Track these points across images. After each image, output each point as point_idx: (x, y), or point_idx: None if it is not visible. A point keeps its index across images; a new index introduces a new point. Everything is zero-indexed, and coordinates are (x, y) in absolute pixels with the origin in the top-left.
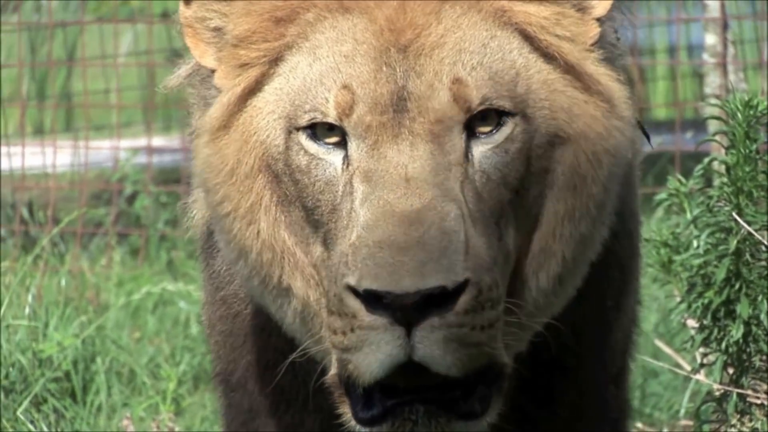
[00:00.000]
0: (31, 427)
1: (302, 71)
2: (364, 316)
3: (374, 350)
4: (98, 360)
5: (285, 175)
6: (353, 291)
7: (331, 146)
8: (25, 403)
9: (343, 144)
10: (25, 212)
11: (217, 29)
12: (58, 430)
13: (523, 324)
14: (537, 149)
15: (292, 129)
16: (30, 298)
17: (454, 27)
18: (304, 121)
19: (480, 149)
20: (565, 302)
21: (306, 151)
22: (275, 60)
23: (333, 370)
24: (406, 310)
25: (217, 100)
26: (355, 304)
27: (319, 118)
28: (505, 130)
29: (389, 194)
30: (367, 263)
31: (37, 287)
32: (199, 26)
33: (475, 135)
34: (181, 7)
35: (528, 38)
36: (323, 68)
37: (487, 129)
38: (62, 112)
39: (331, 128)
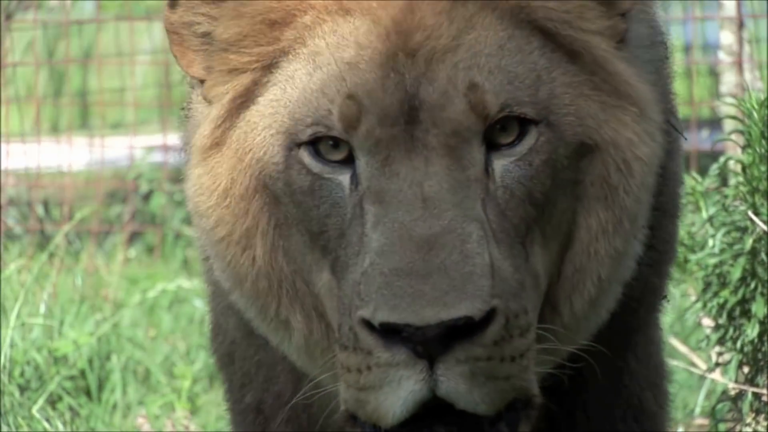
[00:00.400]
0: (46, 425)
1: (301, 81)
2: (381, 352)
3: (394, 389)
4: (113, 358)
5: (285, 196)
6: (368, 325)
7: (336, 164)
8: (41, 401)
9: (350, 161)
10: (40, 210)
11: (205, 35)
12: (74, 428)
13: (553, 350)
14: (563, 159)
15: (292, 145)
16: (45, 296)
17: (468, 27)
18: (305, 136)
19: (501, 162)
20: (596, 328)
21: (309, 170)
22: (269, 67)
23: (343, 406)
24: (427, 344)
25: (205, 115)
26: (370, 339)
27: (323, 132)
28: (528, 140)
29: (404, 216)
30: (382, 293)
31: (53, 285)
32: (185, 32)
33: (495, 147)
34: (166, 11)
35: (549, 36)
36: (324, 77)
37: (508, 139)
38: (78, 110)
39: (336, 144)
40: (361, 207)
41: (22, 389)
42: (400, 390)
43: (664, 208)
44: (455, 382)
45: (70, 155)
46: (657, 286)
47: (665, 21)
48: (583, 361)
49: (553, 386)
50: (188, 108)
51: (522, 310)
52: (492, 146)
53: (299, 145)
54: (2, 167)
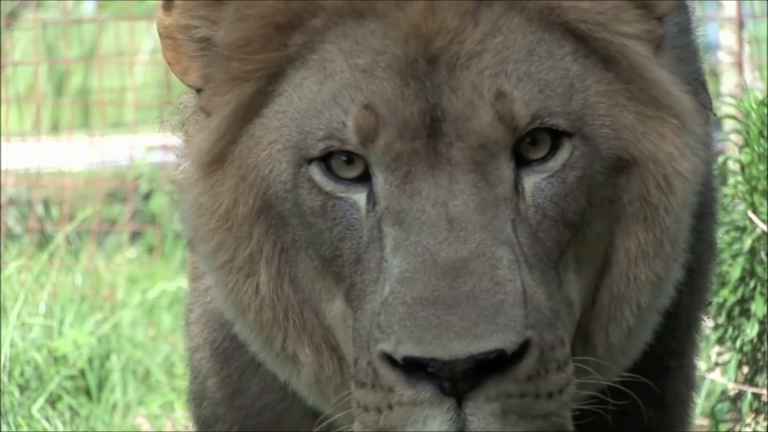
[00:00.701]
0: (46, 424)
1: (310, 90)
2: (404, 389)
3: (419, 429)
4: (113, 358)
5: (293, 218)
6: (389, 359)
7: (350, 182)
8: (41, 401)
9: (365, 179)
10: (40, 210)
11: (204, 40)
12: (73, 427)
13: (584, 385)
14: (598, 176)
15: (301, 161)
16: (45, 295)
17: (494, 30)
18: (316, 151)
19: (532, 179)
20: (631, 362)
21: (320, 189)
22: (275, 75)
23: None
24: (455, 380)
25: (204, 127)
26: (391, 375)
27: (336, 146)
28: (562, 154)
29: (428, 239)
30: (405, 324)
31: (53, 285)
32: (181, 37)
33: (525, 162)
34: (160, 14)
35: (582, 39)
36: (337, 86)
37: (539, 154)
38: (78, 110)
39: (349, 160)
40: (380, 229)
41: (22, 389)
42: (425, 431)
43: (699, 232)
44: (486, 422)
45: (70, 155)
46: (691, 324)
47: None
48: (627, 397)
49: (596, 422)
50: (184, 120)
51: (558, 342)
52: (521, 162)
53: (309, 161)
54: (3, 167)
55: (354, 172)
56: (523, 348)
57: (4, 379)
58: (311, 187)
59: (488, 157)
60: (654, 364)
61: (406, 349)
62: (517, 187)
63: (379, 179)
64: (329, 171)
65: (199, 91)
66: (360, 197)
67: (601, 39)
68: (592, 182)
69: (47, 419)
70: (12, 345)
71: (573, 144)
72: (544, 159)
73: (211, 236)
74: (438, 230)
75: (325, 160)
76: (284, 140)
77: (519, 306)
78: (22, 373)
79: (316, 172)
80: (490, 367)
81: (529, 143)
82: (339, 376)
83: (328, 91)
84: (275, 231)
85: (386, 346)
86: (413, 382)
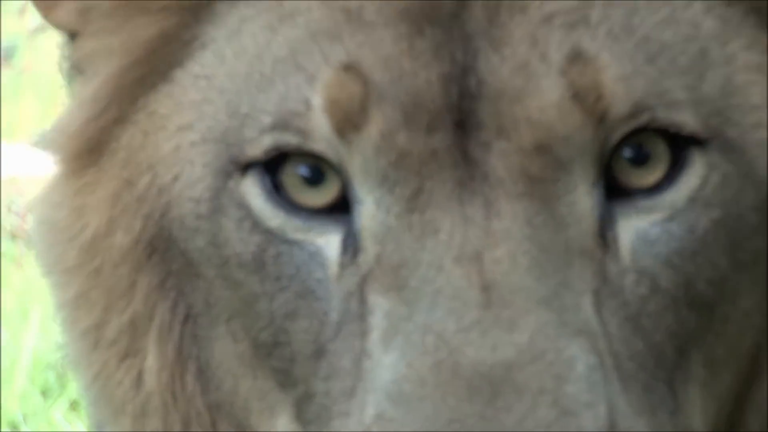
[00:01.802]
0: (67, 429)
1: (254, 41)
2: None
3: None
4: None
5: (210, 265)
6: None
7: (314, 215)
8: (62, 406)
9: (341, 207)
10: None
11: None
12: None
13: None
14: (751, 216)
15: (230, 168)
16: None
17: None
18: (258, 150)
19: (634, 223)
20: None
21: (257, 223)
22: (196, 11)
23: None
24: None
25: (76, 95)
26: None
27: (292, 143)
28: (689, 179)
29: (447, 322)
30: None
31: None
32: None
33: (623, 191)
34: None
35: None
36: (299, 34)
37: (648, 178)
38: None
39: (316, 172)
40: (362, 299)
41: (44, 393)
42: None
43: None
44: None
45: None
46: None
47: None
48: None
49: None
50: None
51: None
52: (615, 189)
53: (244, 167)
54: (24, 172)
55: (323, 195)
56: None
57: (26, 383)
58: (242, 216)
59: (553, 169)
60: None
61: None
62: (604, 234)
63: (367, 204)
64: (277, 191)
65: (73, 36)
66: (329, 242)
67: None
68: (740, 228)
69: (69, 424)
70: (34, 349)
71: (709, 160)
72: (658, 187)
73: (67, 280)
74: (465, 306)
75: (273, 169)
76: (205, 126)
77: None
78: (44, 378)
79: (252, 191)
80: None
81: (630, 158)
82: None
83: (284, 43)
84: (177, 283)
85: None
86: None
